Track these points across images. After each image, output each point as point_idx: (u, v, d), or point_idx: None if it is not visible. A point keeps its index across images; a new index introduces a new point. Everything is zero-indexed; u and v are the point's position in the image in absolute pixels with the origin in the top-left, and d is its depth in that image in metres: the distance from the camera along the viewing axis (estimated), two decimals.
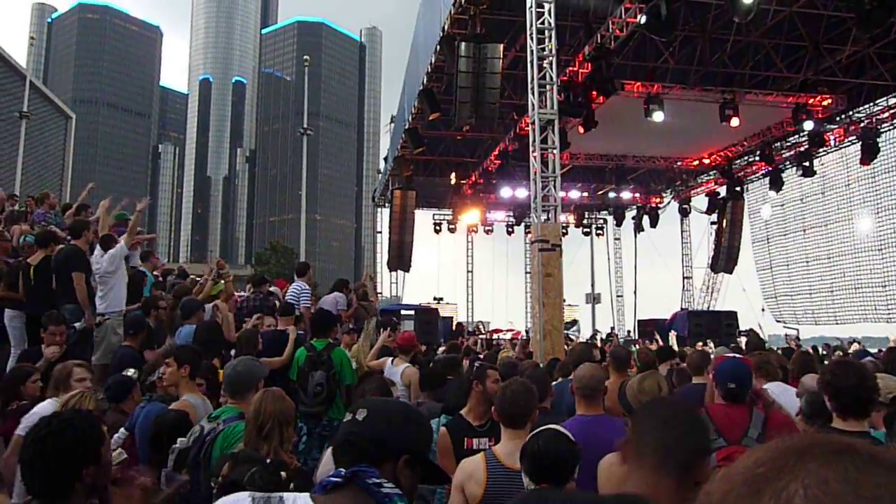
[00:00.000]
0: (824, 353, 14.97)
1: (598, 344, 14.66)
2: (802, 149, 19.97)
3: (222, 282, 8.15)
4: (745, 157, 22.90)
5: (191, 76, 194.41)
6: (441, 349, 11.12)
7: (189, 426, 3.60)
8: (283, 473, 2.39)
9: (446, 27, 14.26)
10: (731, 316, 20.38)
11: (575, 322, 26.89)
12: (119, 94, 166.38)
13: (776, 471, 0.53)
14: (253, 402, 3.16)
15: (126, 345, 6.12)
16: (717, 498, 0.55)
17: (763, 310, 25.58)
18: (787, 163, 21.54)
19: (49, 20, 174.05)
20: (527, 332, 24.50)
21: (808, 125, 17.37)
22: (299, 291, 8.74)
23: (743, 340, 15.54)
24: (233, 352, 6.20)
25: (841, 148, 20.52)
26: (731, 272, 25.07)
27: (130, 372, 4.69)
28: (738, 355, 5.54)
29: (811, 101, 17.25)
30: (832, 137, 19.76)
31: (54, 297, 6.97)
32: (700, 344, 13.41)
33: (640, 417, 1.94)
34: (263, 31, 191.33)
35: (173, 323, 7.17)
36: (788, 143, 20.99)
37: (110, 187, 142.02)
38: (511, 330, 26.74)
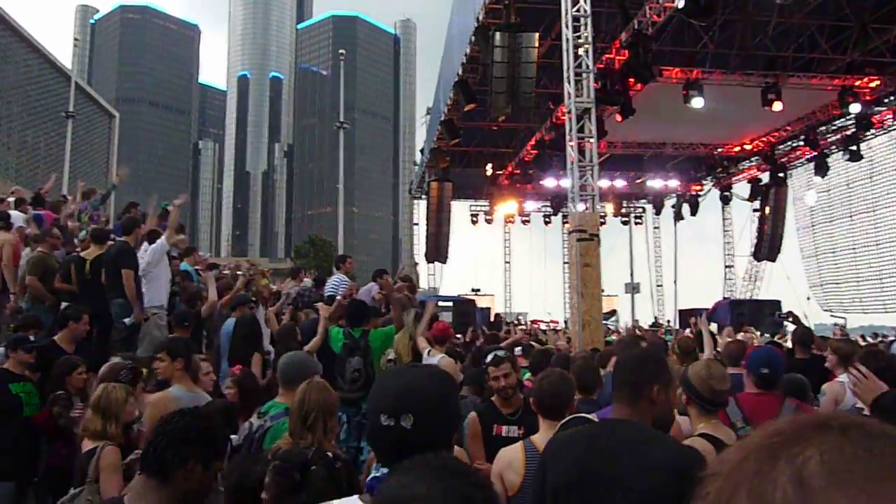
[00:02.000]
0: (874, 342, 14.58)
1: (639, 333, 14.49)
2: (849, 132, 19.37)
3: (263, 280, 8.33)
4: (789, 143, 22.31)
5: (229, 73, 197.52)
6: (479, 340, 11.12)
7: (234, 419, 3.68)
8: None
9: (481, 17, 14.21)
10: (775, 305, 19.96)
11: (614, 312, 26.60)
12: (160, 93, 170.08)
13: (793, 439, 0.55)
14: (297, 392, 3.22)
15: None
16: (732, 465, 0.56)
17: (808, 298, 25.00)
18: (833, 147, 20.91)
19: (92, 21, 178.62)
20: (565, 322, 24.40)
21: (855, 108, 16.84)
22: (339, 282, 8.86)
23: (789, 328, 15.23)
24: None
25: (890, 131, 19.85)
26: (774, 260, 24.51)
27: None
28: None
29: (858, 83, 16.72)
30: (881, 120, 19.13)
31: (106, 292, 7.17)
32: (743, 330, 13.12)
33: None
34: (299, 26, 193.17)
35: (220, 316, 7.32)
36: (834, 127, 20.38)
37: (152, 184, 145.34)
38: (552, 322, 26.61)
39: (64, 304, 7.18)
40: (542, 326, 23.70)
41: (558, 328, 21.61)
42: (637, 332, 14.33)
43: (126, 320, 7.06)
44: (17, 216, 9.59)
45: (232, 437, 3.50)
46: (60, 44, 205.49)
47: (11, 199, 10.53)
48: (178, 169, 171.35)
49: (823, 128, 20.40)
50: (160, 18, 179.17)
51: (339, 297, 8.50)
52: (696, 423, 3.02)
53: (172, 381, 4.32)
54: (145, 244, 7.64)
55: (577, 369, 4.43)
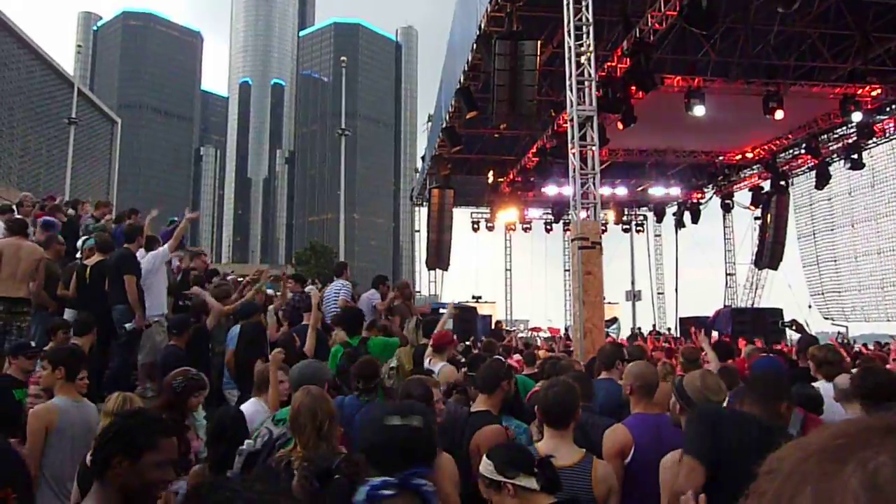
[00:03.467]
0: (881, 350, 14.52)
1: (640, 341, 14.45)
2: (851, 141, 19.40)
3: (261, 284, 8.31)
4: (790, 151, 22.34)
5: (231, 80, 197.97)
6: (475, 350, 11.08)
7: (245, 426, 3.66)
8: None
9: (483, 25, 14.24)
10: (777, 313, 19.90)
11: (615, 320, 26.59)
12: (162, 99, 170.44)
13: (861, 442, 0.53)
14: (292, 401, 3.19)
15: (171, 344, 6.26)
16: (791, 465, 0.55)
17: (810, 306, 24.98)
18: (835, 156, 20.94)
19: (94, 28, 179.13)
20: (566, 330, 24.35)
21: (857, 116, 16.86)
22: (339, 288, 8.85)
23: (792, 335, 15.19)
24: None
25: (891, 139, 19.88)
26: (776, 268, 24.50)
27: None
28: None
29: (860, 91, 16.74)
30: (883, 128, 19.16)
31: (106, 299, 7.18)
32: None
33: None
34: (301, 33, 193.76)
35: (225, 323, 7.31)
36: (836, 136, 20.41)
37: (154, 190, 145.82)
38: (551, 329, 26.57)
39: (67, 311, 7.21)
40: (542, 335, 23.65)
41: (543, 336, 21.64)
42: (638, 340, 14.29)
43: (127, 326, 7.07)
44: None
45: (246, 441, 3.49)
46: (63, 50, 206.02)
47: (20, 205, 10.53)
48: (179, 175, 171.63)
49: (825, 136, 20.42)
50: (163, 25, 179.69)
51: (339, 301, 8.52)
52: None
53: (56, 391, 4.23)
54: (142, 251, 7.66)
55: (576, 378, 4.42)
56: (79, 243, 9.11)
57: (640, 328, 27.24)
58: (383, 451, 1.74)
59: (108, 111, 52.41)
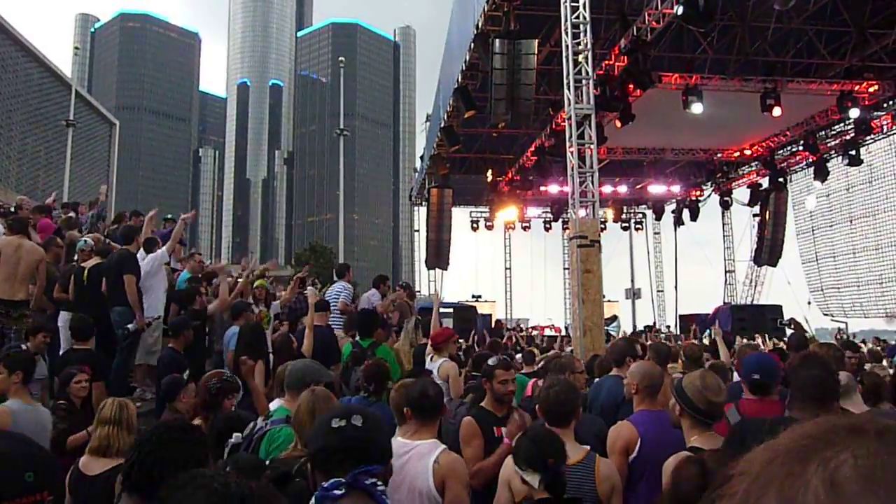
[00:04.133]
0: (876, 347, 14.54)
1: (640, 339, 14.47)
2: (848, 137, 19.41)
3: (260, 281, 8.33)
4: (788, 148, 22.35)
5: (229, 80, 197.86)
6: (480, 346, 11.10)
7: (242, 426, 3.68)
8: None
9: (480, 24, 14.26)
10: (776, 310, 19.97)
11: (615, 318, 26.62)
12: (160, 100, 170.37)
13: (825, 442, 0.54)
14: (297, 401, 3.21)
15: (170, 347, 6.27)
16: (759, 466, 0.55)
17: (809, 303, 25.00)
18: (833, 152, 20.96)
19: (92, 30, 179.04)
20: (566, 328, 24.38)
21: (854, 113, 16.88)
22: (341, 289, 8.87)
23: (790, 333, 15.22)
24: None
25: (889, 135, 19.89)
26: (775, 265, 24.53)
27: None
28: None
29: (857, 87, 16.76)
30: (880, 125, 19.17)
31: (104, 300, 7.16)
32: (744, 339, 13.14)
33: None
34: (299, 33, 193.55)
35: (222, 324, 7.33)
36: (833, 132, 20.43)
37: (153, 191, 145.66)
38: (551, 327, 26.59)
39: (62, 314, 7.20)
40: (545, 333, 23.65)
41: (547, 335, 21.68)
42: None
43: (129, 326, 7.06)
44: None
45: (235, 434, 3.52)
46: (61, 52, 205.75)
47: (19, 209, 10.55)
48: (178, 176, 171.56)
49: (823, 132, 20.44)
50: (160, 26, 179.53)
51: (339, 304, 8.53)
52: (689, 434, 2.98)
53: (10, 395, 4.26)
54: (141, 252, 7.65)
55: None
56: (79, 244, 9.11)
57: (647, 326, 27.30)
58: (330, 452, 1.78)
59: (107, 113, 52.28)
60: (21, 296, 6.92)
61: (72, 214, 11.31)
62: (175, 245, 8.32)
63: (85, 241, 7.96)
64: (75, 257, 8.03)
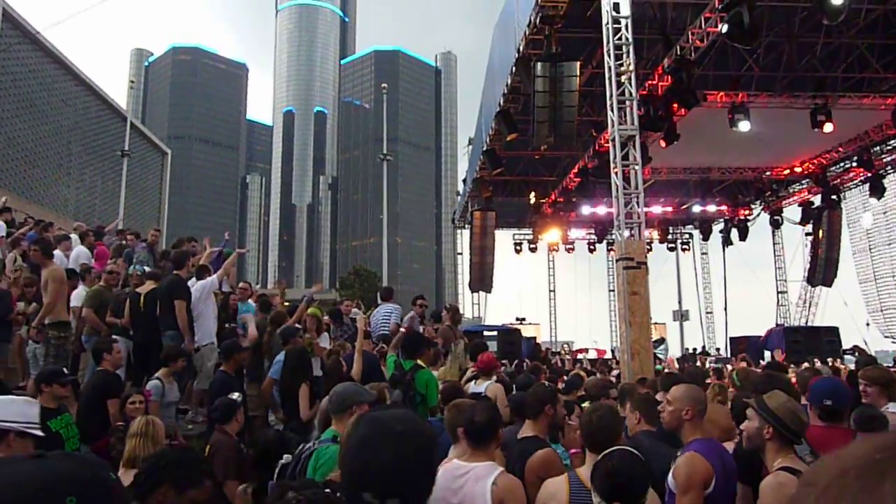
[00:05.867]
0: None
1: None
2: None
3: (312, 309, 8.41)
4: (841, 164, 21.75)
5: (275, 109, 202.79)
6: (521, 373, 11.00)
7: (287, 445, 3.72)
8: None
9: (521, 48, 14.32)
10: (833, 331, 19.21)
11: (662, 340, 26.09)
12: (209, 129, 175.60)
13: None
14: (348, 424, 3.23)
15: (221, 370, 6.37)
16: (828, 479, 0.53)
17: (868, 324, 24.06)
18: (889, 167, 20.30)
19: (146, 63, 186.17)
20: (613, 351, 23.99)
21: None
22: (391, 311, 8.93)
23: (850, 360, 14.68)
24: None
25: None
26: (829, 285, 23.73)
27: (235, 395, 4.90)
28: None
29: None
30: None
31: (159, 326, 7.37)
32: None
33: None
34: (342, 61, 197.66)
35: (271, 349, 7.43)
36: (889, 147, 19.81)
37: (203, 217, 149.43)
38: (597, 349, 26.20)
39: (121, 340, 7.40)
40: (587, 356, 23.32)
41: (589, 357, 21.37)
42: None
43: None
44: (80, 251, 9.98)
45: (285, 455, 3.57)
46: (117, 85, 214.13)
47: (74, 236, 10.95)
48: (226, 203, 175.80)
49: (878, 148, 19.84)
50: (210, 59, 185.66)
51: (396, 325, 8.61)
52: (776, 457, 2.90)
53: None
54: (193, 279, 7.85)
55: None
56: (130, 269, 9.41)
57: (694, 349, 26.70)
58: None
59: (159, 143, 54.07)
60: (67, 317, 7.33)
61: (122, 241, 11.70)
62: (226, 272, 8.52)
63: (141, 268, 8.22)
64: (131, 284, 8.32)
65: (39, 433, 3.20)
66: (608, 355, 22.68)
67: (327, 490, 2.60)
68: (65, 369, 5.53)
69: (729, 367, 13.89)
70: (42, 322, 6.93)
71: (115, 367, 5.97)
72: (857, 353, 16.29)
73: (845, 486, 0.52)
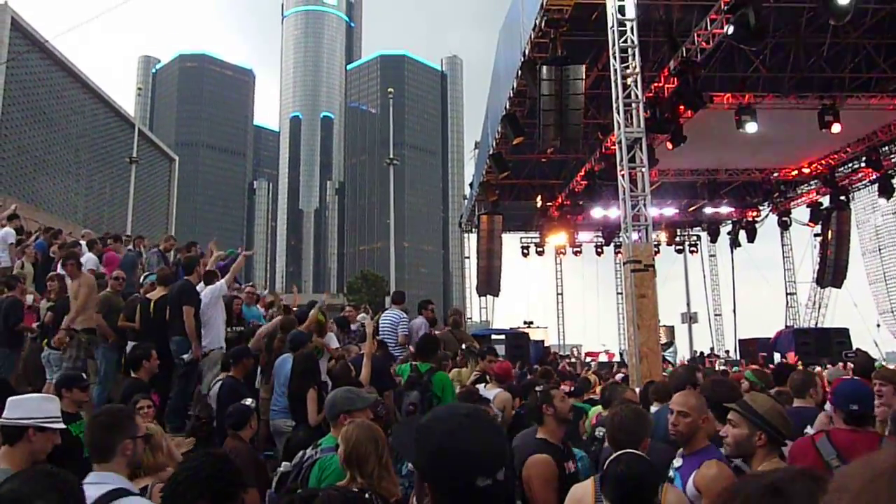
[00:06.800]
0: None
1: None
2: None
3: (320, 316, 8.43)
4: (850, 164, 21.64)
5: (282, 114, 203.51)
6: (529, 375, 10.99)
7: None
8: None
9: (527, 52, 14.33)
10: (843, 333, 19.07)
11: (671, 343, 25.95)
12: (217, 136, 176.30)
13: None
14: (345, 436, 3.16)
15: (230, 375, 6.37)
16: (860, 483, 0.53)
17: (878, 325, 23.94)
18: None
19: (153, 71, 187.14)
20: (621, 354, 23.91)
21: None
22: (398, 319, 8.91)
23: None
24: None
25: None
26: (839, 286, 23.60)
27: (249, 401, 4.87)
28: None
29: None
30: None
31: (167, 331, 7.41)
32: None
33: None
34: (348, 67, 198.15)
35: (281, 355, 7.44)
36: None
37: (210, 223, 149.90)
38: (606, 352, 26.12)
39: (131, 343, 7.44)
40: (598, 359, 23.26)
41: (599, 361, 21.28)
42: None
43: (185, 357, 7.26)
44: (89, 258, 10.03)
45: (283, 463, 3.56)
46: (125, 93, 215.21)
47: (83, 243, 11.02)
48: (234, 208, 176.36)
49: (886, 148, 19.73)
50: (216, 65, 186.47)
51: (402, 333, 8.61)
52: (762, 461, 2.82)
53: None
54: (202, 284, 7.87)
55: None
56: (142, 279, 9.47)
57: (702, 351, 26.58)
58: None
59: (167, 149, 54.41)
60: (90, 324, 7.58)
61: (130, 248, 11.76)
62: (234, 276, 8.55)
63: (150, 275, 8.28)
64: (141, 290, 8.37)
65: (60, 426, 3.20)
66: (616, 358, 22.60)
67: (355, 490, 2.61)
68: (84, 374, 5.57)
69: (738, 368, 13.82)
70: (71, 326, 7.06)
71: (151, 374, 5.99)
72: (857, 354, 16.20)
73: (878, 490, 0.52)
